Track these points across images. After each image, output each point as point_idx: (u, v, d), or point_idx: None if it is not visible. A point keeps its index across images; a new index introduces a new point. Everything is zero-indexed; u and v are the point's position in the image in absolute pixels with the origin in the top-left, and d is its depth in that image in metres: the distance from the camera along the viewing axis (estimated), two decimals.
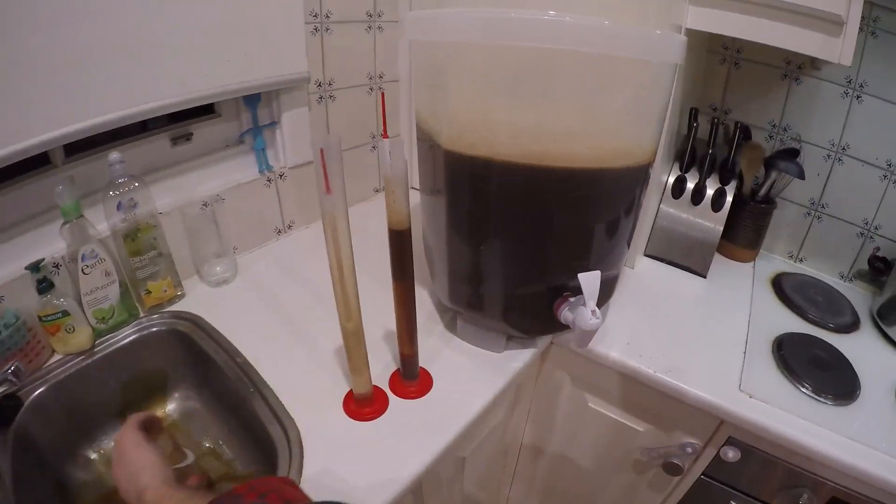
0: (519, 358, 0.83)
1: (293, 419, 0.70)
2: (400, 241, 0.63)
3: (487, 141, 0.64)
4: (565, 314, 0.72)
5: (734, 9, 0.80)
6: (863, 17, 0.93)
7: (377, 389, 0.75)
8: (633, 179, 0.71)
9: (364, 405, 0.73)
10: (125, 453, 0.58)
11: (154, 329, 0.86)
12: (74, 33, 0.68)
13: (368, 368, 0.71)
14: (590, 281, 0.66)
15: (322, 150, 0.52)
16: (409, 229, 0.63)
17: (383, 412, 0.73)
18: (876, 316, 1.04)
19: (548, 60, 0.59)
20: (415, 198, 0.69)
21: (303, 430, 0.68)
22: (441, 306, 0.92)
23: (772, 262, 1.20)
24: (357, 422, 0.71)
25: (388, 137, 0.58)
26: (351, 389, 0.75)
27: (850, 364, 0.90)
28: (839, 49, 0.76)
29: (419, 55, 0.73)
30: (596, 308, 0.67)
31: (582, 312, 0.68)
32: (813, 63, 1.04)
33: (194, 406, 0.88)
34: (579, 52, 0.58)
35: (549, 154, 0.63)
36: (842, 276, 1.16)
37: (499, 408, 0.86)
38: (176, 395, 0.89)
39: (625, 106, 0.64)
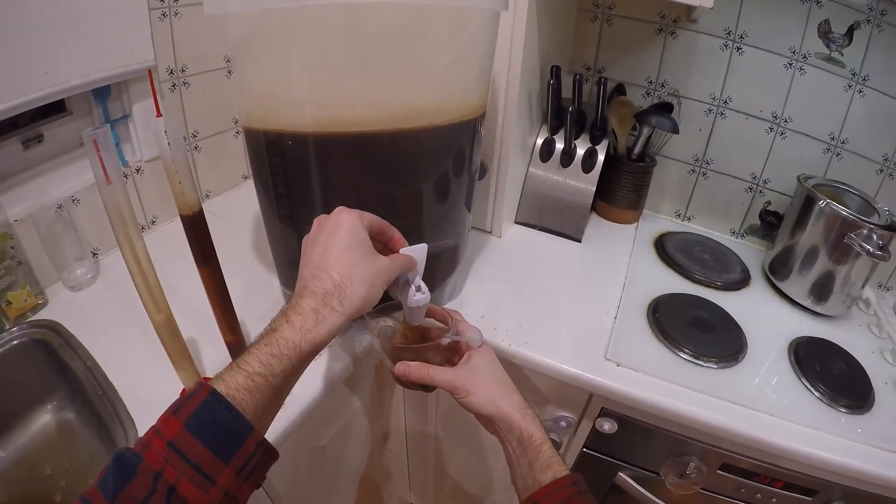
0: (363, 339, 0.79)
1: (133, 421, 0.68)
2: (194, 226, 0.60)
3: (275, 112, 0.60)
4: (392, 291, 0.68)
5: None
6: None
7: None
8: (453, 138, 0.66)
9: None
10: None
11: (15, 342, 0.81)
12: None
13: (192, 363, 0.68)
14: (414, 254, 0.63)
15: (95, 141, 0.50)
16: (201, 212, 0.59)
17: None
18: (767, 270, 1.02)
19: (337, 16, 0.55)
20: None
21: (141, 431, 0.65)
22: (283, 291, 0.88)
23: (657, 222, 1.17)
24: None
25: (160, 116, 0.54)
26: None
27: (737, 323, 0.88)
28: None
29: (229, 32, 0.68)
30: (422, 283, 0.64)
31: (406, 289, 0.64)
32: (688, 15, 1.00)
33: (69, 416, 0.84)
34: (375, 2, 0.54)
35: (342, 120, 0.59)
36: (733, 233, 1.14)
37: (350, 393, 0.83)
38: (48, 406, 0.85)
39: (429, 60, 0.60)
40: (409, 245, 0.59)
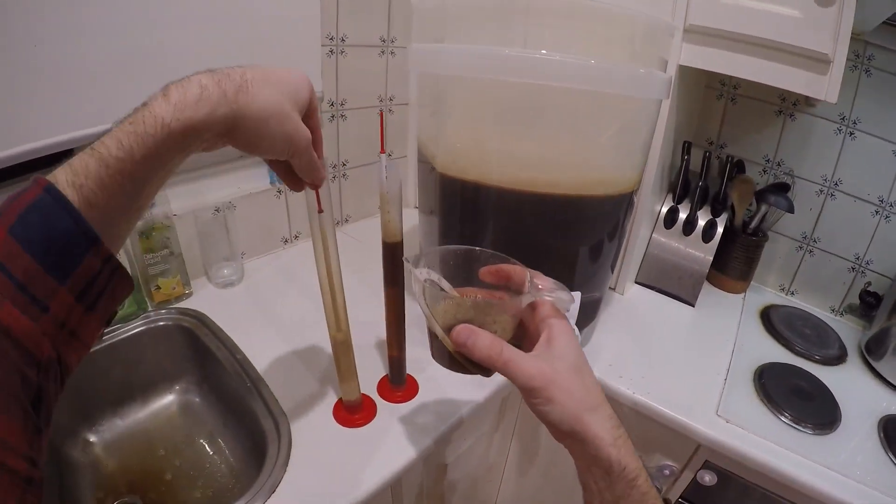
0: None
1: (286, 415, 0.73)
2: (392, 253, 0.68)
3: (478, 167, 0.69)
4: None
5: (725, 47, 0.84)
6: (857, 55, 0.97)
7: (365, 398, 0.78)
8: (616, 206, 0.75)
9: (353, 412, 0.76)
10: None
11: (161, 323, 0.90)
12: (103, 43, 0.74)
13: (356, 378, 0.74)
14: (572, 298, 0.70)
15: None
16: (402, 242, 0.67)
17: (371, 420, 0.75)
18: (864, 349, 1.05)
19: (538, 95, 0.64)
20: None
21: (293, 426, 0.72)
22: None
23: (763, 294, 1.23)
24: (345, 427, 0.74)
25: (384, 153, 0.62)
26: (341, 398, 0.77)
27: (833, 395, 0.92)
28: (825, 86, 0.79)
29: (421, 83, 0.78)
30: (575, 327, 0.71)
31: None
32: (807, 100, 1.07)
33: (193, 399, 0.92)
34: (567, 87, 0.62)
35: (535, 181, 0.67)
36: (832, 311, 1.18)
37: (482, 419, 0.90)
38: (176, 387, 0.93)
39: (608, 138, 0.69)
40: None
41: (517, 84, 0.63)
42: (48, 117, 0.72)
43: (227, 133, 0.38)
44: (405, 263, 0.50)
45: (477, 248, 0.51)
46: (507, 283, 0.48)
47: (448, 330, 0.45)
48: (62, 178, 0.32)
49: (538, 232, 0.72)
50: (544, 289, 0.46)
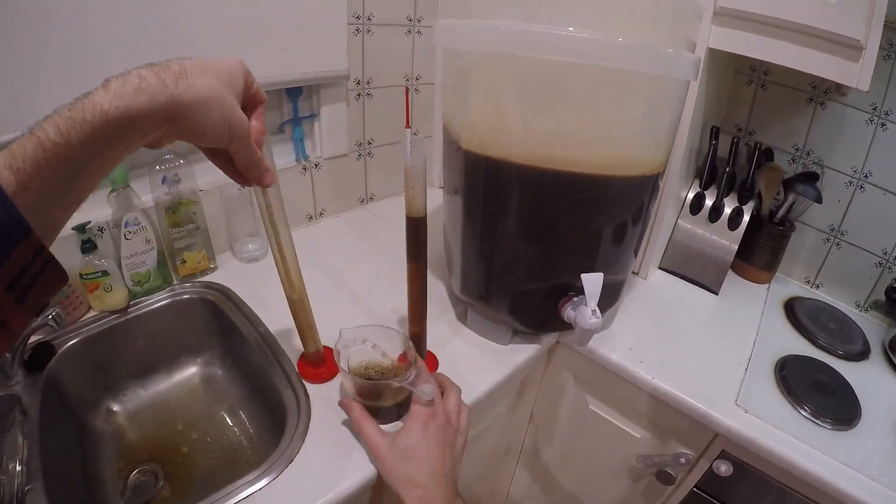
0: (523, 352, 0.87)
1: (305, 387, 0.74)
2: (416, 228, 0.68)
3: (501, 144, 0.69)
4: (568, 312, 0.76)
5: (756, 30, 0.83)
6: (891, 44, 0.94)
7: None
8: (640, 189, 0.74)
9: (317, 366, 0.78)
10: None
11: (186, 296, 0.91)
12: (126, 19, 0.74)
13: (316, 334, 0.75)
14: (592, 281, 0.70)
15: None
16: (425, 217, 0.67)
17: None
18: (888, 347, 1.03)
19: (564, 72, 0.63)
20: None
21: (312, 399, 0.73)
22: (454, 298, 0.96)
23: (788, 285, 1.21)
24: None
25: (409, 129, 0.62)
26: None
27: (854, 392, 0.91)
28: (857, 74, 0.77)
29: (446, 60, 0.78)
30: (596, 308, 0.71)
31: (583, 311, 0.71)
32: (839, 89, 1.04)
33: (216, 371, 0.94)
34: (594, 65, 0.62)
35: (559, 159, 0.67)
36: (857, 306, 1.16)
37: (501, 399, 0.90)
38: (199, 359, 0.95)
39: (634, 118, 0.68)
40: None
41: (542, 60, 0.63)
42: (57, 99, 0.72)
43: (168, 121, 0.38)
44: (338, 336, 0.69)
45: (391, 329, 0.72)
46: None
47: (355, 390, 0.67)
48: (0, 160, 0.32)
49: (561, 211, 0.72)
50: (415, 383, 0.64)
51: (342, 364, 0.66)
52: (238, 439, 0.85)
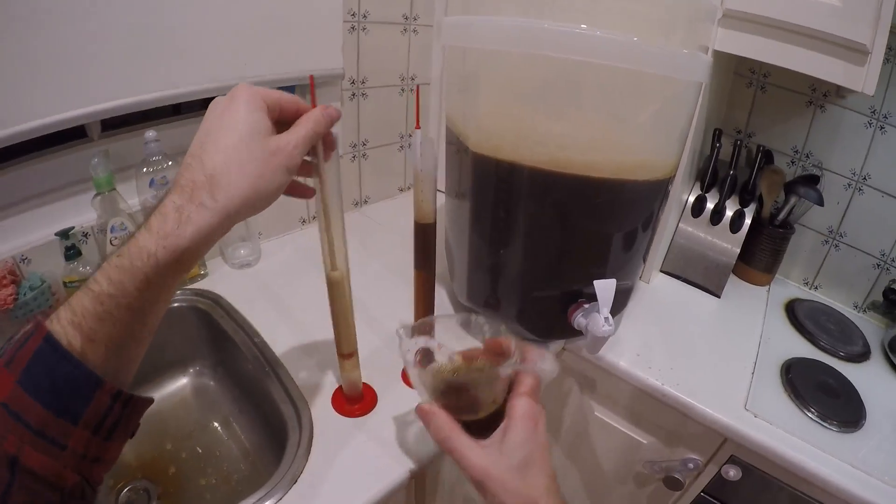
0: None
1: (306, 401, 0.71)
2: (425, 235, 0.65)
3: (514, 146, 0.66)
4: (579, 320, 0.74)
5: (761, 33, 0.82)
6: (890, 48, 0.94)
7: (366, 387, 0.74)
8: (652, 193, 0.73)
9: (353, 402, 0.72)
10: None
11: (175, 304, 0.87)
12: (116, 19, 0.71)
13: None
14: (605, 288, 0.68)
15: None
16: (435, 223, 0.65)
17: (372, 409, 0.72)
18: (887, 347, 1.04)
19: (577, 72, 0.61)
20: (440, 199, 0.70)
21: (314, 414, 0.69)
22: (457, 304, 0.94)
23: (787, 287, 1.21)
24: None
25: (419, 129, 0.59)
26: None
27: (858, 393, 0.91)
28: (863, 78, 0.77)
29: (452, 59, 0.75)
30: (609, 315, 0.69)
31: (595, 319, 0.70)
32: (838, 91, 1.05)
33: (208, 382, 0.91)
34: (608, 65, 0.60)
35: (573, 162, 0.65)
36: (856, 307, 1.16)
37: None
38: (191, 370, 0.91)
39: (648, 120, 0.66)
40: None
41: (553, 60, 0.61)
42: (56, 93, 0.70)
43: (224, 231, 0.38)
44: (397, 334, 0.53)
45: (472, 315, 0.55)
46: (501, 354, 0.50)
47: (438, 395, 0.50)
48: (64, 317, 0.34)
49: (572, 216, 0.70)
50: (528, 361, 0.49)
51: (412, 367, 0.51)
52: (234, 453, 0.81)
